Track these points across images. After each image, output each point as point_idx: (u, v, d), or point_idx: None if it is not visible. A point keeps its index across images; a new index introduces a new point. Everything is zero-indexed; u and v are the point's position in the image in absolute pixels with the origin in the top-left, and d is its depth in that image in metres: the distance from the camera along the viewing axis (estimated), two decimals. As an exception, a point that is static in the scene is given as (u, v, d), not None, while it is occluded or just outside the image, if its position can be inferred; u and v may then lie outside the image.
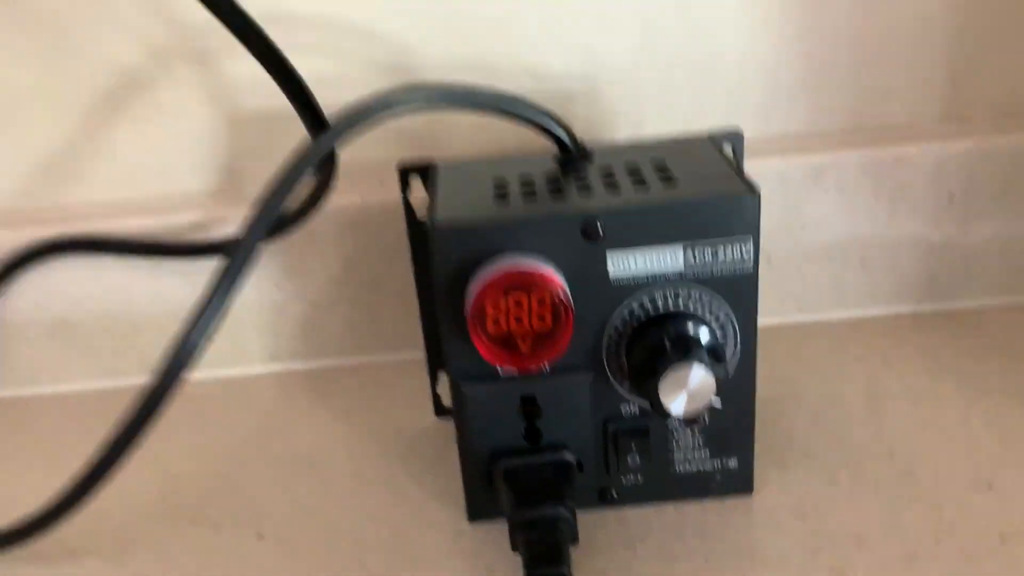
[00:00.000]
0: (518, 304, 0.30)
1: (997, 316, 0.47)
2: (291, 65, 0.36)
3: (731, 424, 0.34)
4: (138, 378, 0.45)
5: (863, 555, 0.32)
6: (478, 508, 0.36)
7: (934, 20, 0.44)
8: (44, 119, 0.45)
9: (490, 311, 0.30)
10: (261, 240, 0.31)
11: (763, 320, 0.33)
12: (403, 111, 0.33)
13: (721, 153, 0.35)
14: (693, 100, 0.45)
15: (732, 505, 0.36)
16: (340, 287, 0.47)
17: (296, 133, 0.37)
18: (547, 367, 0.33)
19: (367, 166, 0.45)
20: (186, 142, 0.45)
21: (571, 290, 0.31)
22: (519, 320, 0.31)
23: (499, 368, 0.32)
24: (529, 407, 0.33)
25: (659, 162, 0.34)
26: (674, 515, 0.35)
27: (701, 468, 0.35)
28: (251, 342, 0.48)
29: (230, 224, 0.45)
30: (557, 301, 0.30)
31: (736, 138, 0.38)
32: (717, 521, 0.35)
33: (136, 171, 0.46)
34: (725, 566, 0.33)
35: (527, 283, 0.30)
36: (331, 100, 0.41)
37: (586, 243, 0.31)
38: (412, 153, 0.45)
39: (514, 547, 0.32)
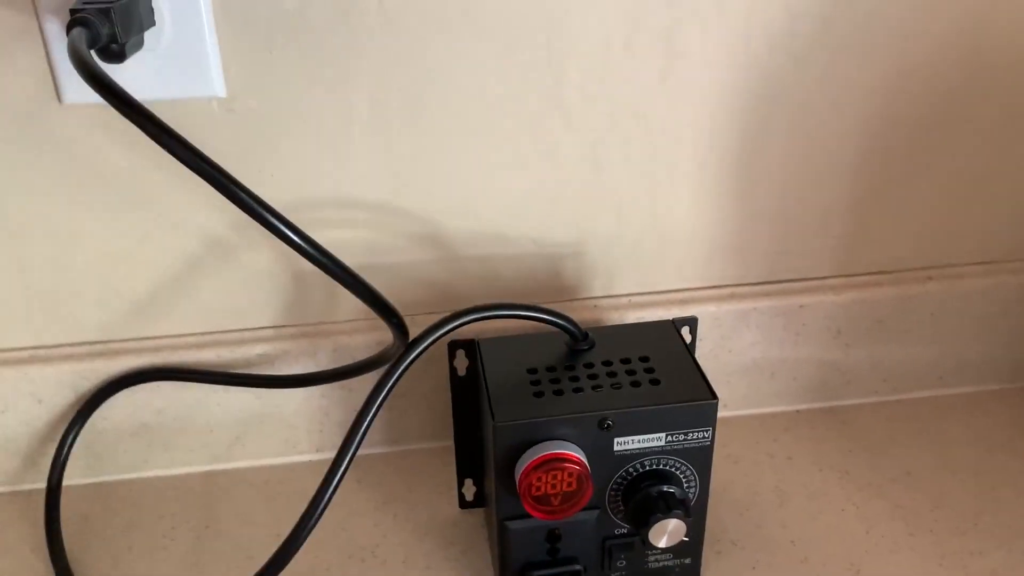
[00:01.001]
0: (554, 476, 0.44)
1: (866, 412, 0.64)
2: (375, 289, 0.46)
3: (689, 539, 0.49)
4: (209, 467, 0.57)
5: (774, 629, 0.48)
6: (509, 597, 0.50)
7: (832, 203, 0.59)
8: (141, 273, 0.55)
9: (535, 483, 0.44)
10: (363, 439, 0.44)
11: None
12: (467, 324, 0.46)
13: (684, 343, 0.50)
14: (654, 261, 0.59)
15: (685, 587, 0.51)
16: (375, 397, 0.59)
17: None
18: (568, 510, 0.47)
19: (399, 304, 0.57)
20: (257, 289, 0.56)
21: (588, 458, 0.45)
22: (554, 486, 0.45)
23: (534, 510, 0.46)
24: (552, 534, 0.48)
25: (644, 358, 0.48)
26: (645, 595, 0.51)
27: (665, 565, 0.50)
28: (301, 439, 0.60)
29: (291, 355, 0.57)
30: (581, 474, 0.44)
31: (692, 321, 0.52)
32: (676, 601, 0.50)
33: (214, 311, 0.57)
34: (684, 638, 0.48)
35: (561, 464, 0.44)
36: (377, 262, 0.53)
37: (600, 431, 0.45)
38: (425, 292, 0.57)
39: (543, 634, 0.46)
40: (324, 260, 0.42)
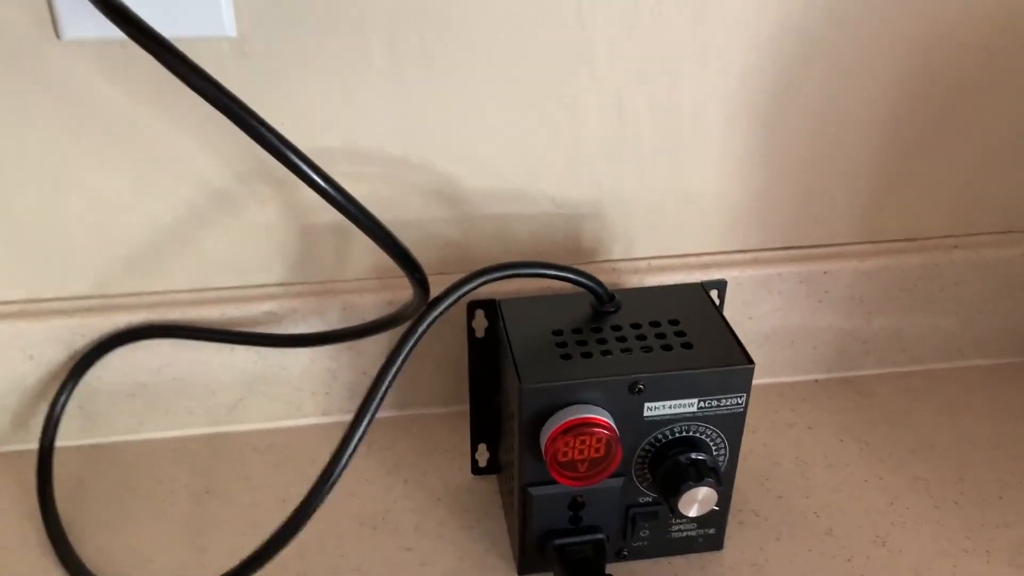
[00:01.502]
0: (582, 442, 0.42)
1: (885, 382, 0.62)
2: (405, 246, 0.44)
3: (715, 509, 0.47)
4: (210, 429, 0.54)
5: (801, 601, 0.47)
6: (527, 566, 0.48)
7: (856, 168, 0.57)
8: (139, 222, 0.52)
9: (561, 447, 0.42)
10: (382, 401, 0.42)
11: None
12: (490, 282, 0.44)
13: (717, 308, 0.48)
14: (675, 224, 0.57)
15: (708, 558, 0.49)
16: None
17: (356, 240, 0.48)
18: (593, 477, 0.45)
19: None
20: (263, 244, 0.54)
21: (616, 424, 0.43)
22: (581, 452, 0.43)
23: (558, 477, 0.44)
24: (575, 501, 0.46)
25: (674, 321, 0.46)
26: (666, 567, 0.49)
27: (689, 535, 0.49)
28: (306, 402, 0.58)
29: (298, 314, 0.55)
30: (611, 440, 0.42)
31: (721, 285, 0.50)
32: (699, 573, 0.48)
33: (217, 267, 0.54)
34: (708, 610, 0.47)
35: (590, 429, 0.42)
36: (392, 218, 0.51)
37: (630, 395, 0.43)
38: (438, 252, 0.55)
39: (565, 604, 0.44)
40: (345, 202, 0.39)
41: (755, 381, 0.61)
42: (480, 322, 0.49)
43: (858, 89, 0.54)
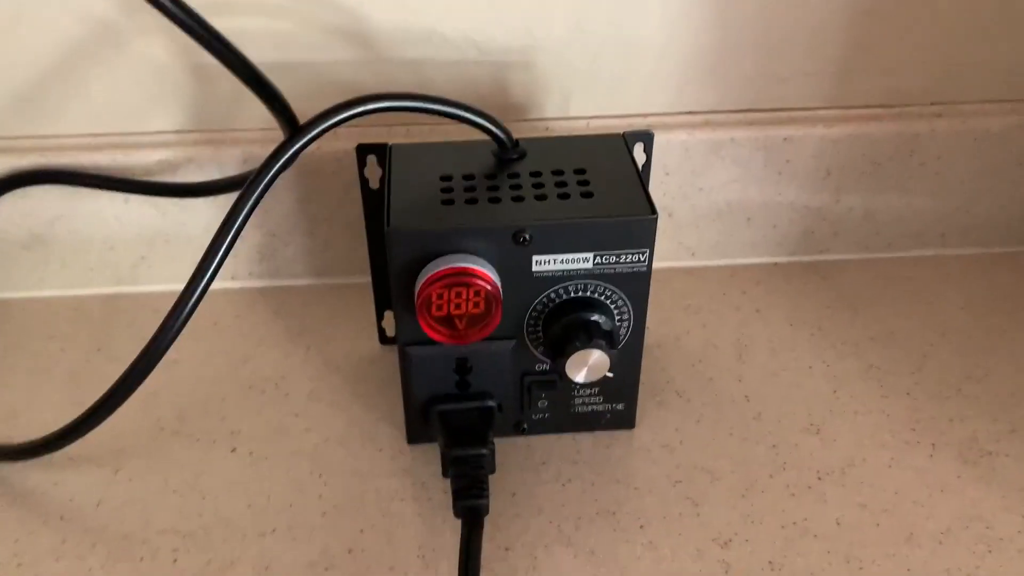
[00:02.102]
0: (458, 295, 0.38)
1: (854, 268, 0.56)
2: (263, 74, 0.40)
3: (622, 381, 0.43)
4: (111, 289, 0.51)
5: (713, 487, 0.42)
6: (416, 434, 0.44)
7: (827, 22, 0.50)
8: (17, 58, 0.48)
9: (435, 300, 0.38)
10: (238, 232, 0.37)
11: (660, 263, 0.40)
12: (366, 114, 0.39)
13: (632, 159, 0.42)
14: (616, 78, 0.51)
15: (617, 437, 0.45)
16: (295, 220, 0.53)
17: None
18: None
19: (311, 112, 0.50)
20: (154, 85, 0.49)
21: (501, 279, 0.39)
22: (458, 306, 0.38)
23: (439, 337, 0.40)
24: (462, 365, 0.41)
25: (580, 170, 0.41)
26: (570, 443, 0.45)
27: (595, 409, 0.44)
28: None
29: (194, 163, 0.50)
30: (490, 294, 0.38)
31: (647, 137, 0.44)
32: (604, 451, 0.44)
33: (106, 110, 0.50)
34: (606, 491, 0.42)
35: (466, 280, 0.37)
36: (286, 60, 0.46)
37: (515, 246, 0.38)
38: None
39: (445, 474, 0.40)
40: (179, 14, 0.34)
41: (705, 261, 0.57)
42: (373, 170, 0.44)
43: (825, -80, 0.47)
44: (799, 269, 0.57)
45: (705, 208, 0.55)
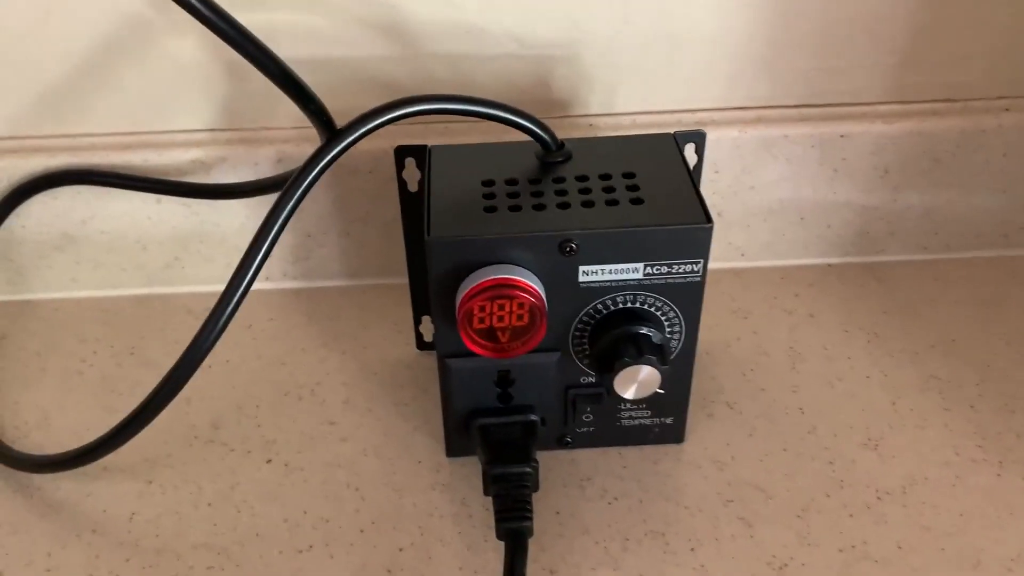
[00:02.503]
0: (501, 307, 0.36)
1: (911, 270, 0.54)
2: (297, 76, 0.38)
3: (671, 395, 0.41)
4: (143, 290, 0.50)
5: (766, 506, 0.40)
6: (455, 448, 0.43)
7: (886, 10, 0.47)
8: (49, 56, 0.46)
9: (476, 312, 0.36)
10: (274, 242, 0.36)
11: (710, 264, 0.38)
12: (405, 117, 0.37)
13: (684, 160, 0.40)
14: (664, 72, 0.49)
15: (665, 451, 0.43)
16: (330, 221, 0.51)
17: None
18: (521, 351, 0.39)
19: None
20: (186, 83, 0.48)
21: (546, 290, 0.37)
22: (501, 319, 0.36)
23: (480, 349, 0.38)
24: (504, 377, 0.40)
25: (629, 174, 0.39)
26: (616, 458, 0.43)
27: (642, 423, 0.42)
28: (247, 264, 0.53)
29: (228, 163, 0.49)
30: (534, 307, 0.36)
31: (699, 137, 0.42)
32: (652, 467, 0.42)
33: (138, 108, 0.48)
34: (654, 509, 0.40)
35: (509, 292, 0.35)
36: (319, 55, 0.44)
37: (561, 256, 0.36)
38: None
39: (486, 492, 0.39)
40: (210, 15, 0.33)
41: (756, 262, 0.54)
42: (411, 172, 0.42)
43: (890, -96, 0.44)
44: (854, 270, 0.54)
45: (756, 207, 0.52)
